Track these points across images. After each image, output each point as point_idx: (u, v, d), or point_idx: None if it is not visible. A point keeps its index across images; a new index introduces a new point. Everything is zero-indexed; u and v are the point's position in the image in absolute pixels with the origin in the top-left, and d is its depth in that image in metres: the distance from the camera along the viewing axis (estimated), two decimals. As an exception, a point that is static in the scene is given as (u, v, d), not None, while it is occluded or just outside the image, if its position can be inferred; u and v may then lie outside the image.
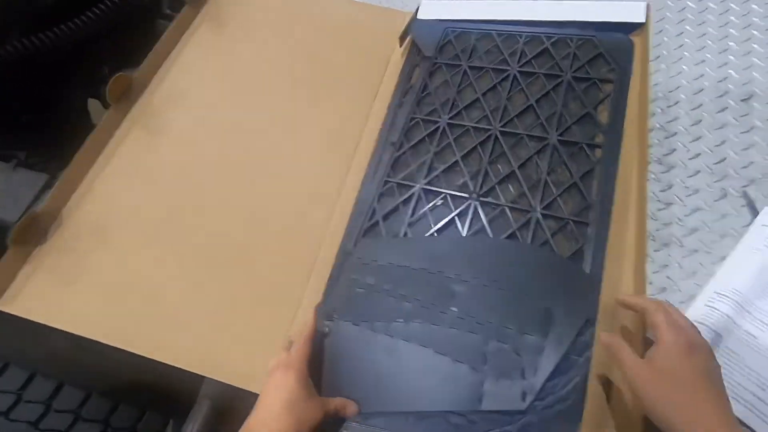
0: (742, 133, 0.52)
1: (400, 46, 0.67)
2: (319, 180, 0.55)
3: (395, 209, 0.51)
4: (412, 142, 0.56)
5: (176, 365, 0.47)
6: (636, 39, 0.58)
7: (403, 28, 0.66)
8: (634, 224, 0.47)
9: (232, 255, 0.50)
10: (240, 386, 0.45)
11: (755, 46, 0.58)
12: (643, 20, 0.57)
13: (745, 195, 0.48)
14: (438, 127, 0.57)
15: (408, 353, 0.41)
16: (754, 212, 0.47)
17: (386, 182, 0.54)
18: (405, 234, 0.49)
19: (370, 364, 0.42)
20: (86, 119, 1.19)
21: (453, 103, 0.58)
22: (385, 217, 0.51)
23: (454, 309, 0.42)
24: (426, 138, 0.56)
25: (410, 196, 0.52)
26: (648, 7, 0.58)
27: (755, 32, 0.59)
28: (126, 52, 1.12)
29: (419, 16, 0.67)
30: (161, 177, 0.55)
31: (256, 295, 0.49)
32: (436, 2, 0.67)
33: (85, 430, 0.58)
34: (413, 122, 0.58)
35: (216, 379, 0.46)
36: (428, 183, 0.52)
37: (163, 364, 0.47)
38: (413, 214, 0.51)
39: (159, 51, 0.63)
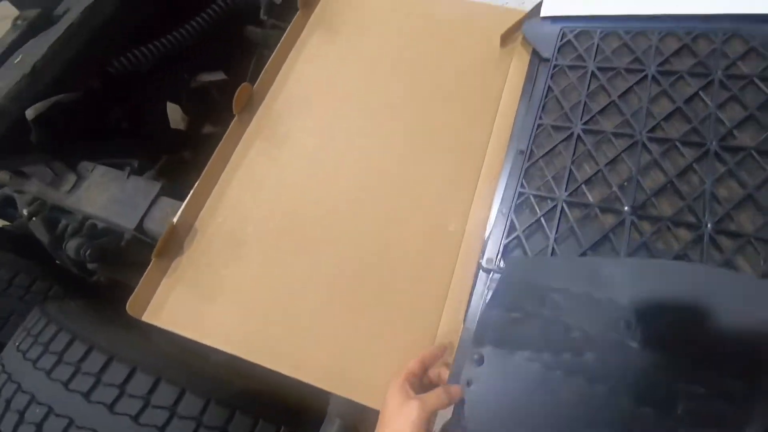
0: None
1: (502, 46, 0.63)
2: (448, 190, 0.53)
3: (536, 223, 0.48)
4: (544, 151, 0.53)
5: (310, 383, 0.46)
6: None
7: (509, 27, 0.62)
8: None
9: (364, 270, 0.49)
10: (377, 407, 0.44)
11: None
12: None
13: None
14: (572, 134, 0.53)
15: (575, 389, 0.38)
16: None
17: (520, 194, 0.50)
18: (552, 252, 0.46)
19: (530, 398, 0.39)
20: (166, 123, 1.24)
21: (584, 108, 0.54)
22: (526, 232, 0.48)
23: (632, 344, 0.38)
24: (559, 146, 0.53)
25: (552, 209, 0.48)
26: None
27: None
28: (209, 58, 1.15)
29: (542, 14, 0.63)
30: (288, 188, 0.55)
31: (390, 313, 0.47)
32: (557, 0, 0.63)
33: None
34: (540, 129, 0.54)
35: (350, 398, 0.45)
36: (570, 195, 0.49)
37: (286, 376, 0.46)
38: (557, 229, 0.47)
39: (275, 60, 0.63)
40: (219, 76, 1.20)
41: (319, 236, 0.51)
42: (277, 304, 0.48)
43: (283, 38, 0.63)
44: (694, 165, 0.47)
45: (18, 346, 0.65)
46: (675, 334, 0.37)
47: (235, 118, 0.58)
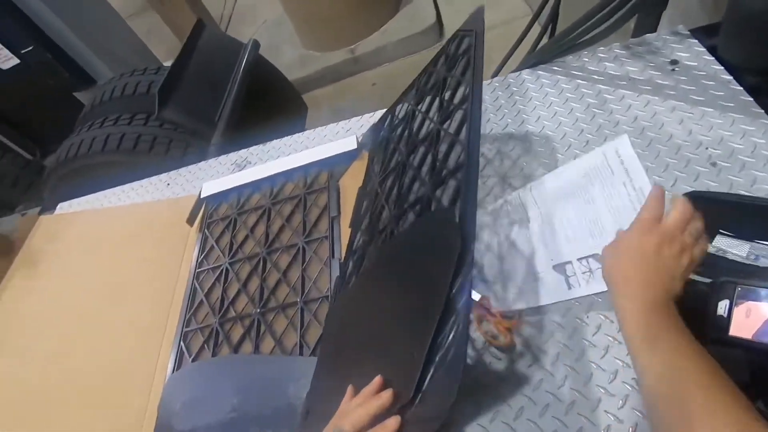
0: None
1: (191, 225, 0.82)
2: (134, 365, 0.65)
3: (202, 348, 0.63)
4: (205, 290, 0.70)
5: None
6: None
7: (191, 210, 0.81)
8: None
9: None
10: None
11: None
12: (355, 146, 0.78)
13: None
14: (222, 268, 0.71)
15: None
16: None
17: (186, 333, 0.66)
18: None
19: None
20: None
21: (232, 244, 0.75)
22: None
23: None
24: (216, 281, 0.70)
25: (212, 333, 0.64)
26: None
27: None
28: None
29: (203, 195, 0.83)
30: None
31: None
32: (215, 182, 0.84)
33: None
34: (204, 274, 0.72)
35: None
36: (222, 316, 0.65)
37: None
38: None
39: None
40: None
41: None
42: None
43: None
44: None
45: None
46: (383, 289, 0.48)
47: None
